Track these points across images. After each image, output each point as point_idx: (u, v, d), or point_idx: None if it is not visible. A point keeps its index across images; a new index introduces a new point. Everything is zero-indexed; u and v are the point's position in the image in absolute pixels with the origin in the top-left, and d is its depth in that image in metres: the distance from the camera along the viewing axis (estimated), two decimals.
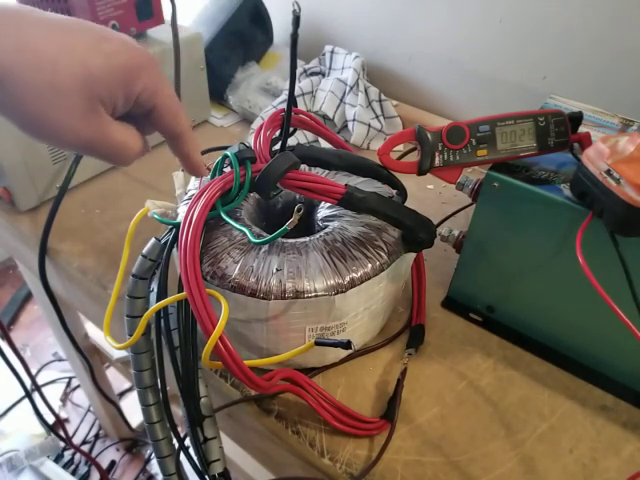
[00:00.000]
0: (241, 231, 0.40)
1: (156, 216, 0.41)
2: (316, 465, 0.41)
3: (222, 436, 0.41)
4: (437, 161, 0.43)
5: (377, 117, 0.76)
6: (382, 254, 0.42)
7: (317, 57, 0.83)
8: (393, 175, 0.45)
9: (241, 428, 0.50)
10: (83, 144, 0.30)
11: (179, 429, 0.42)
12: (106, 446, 1.32)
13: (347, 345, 0.36)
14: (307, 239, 0.43)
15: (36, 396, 0.87)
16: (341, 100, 0.75)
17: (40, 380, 1.42)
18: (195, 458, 0.40)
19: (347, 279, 0.40)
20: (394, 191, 0.47)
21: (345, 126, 0.76)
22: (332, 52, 0.81)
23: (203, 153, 0.54)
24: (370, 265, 0.41)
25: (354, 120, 0.73)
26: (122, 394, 1.39)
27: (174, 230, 0.40)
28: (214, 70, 0.78)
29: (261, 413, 0.43)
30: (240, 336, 0.42)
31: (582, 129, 0.43)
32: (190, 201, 0.39)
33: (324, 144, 0.64)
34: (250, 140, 0.71)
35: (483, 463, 0.40)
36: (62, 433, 0.93)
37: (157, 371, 0.42)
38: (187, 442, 0.41)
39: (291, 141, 0.53)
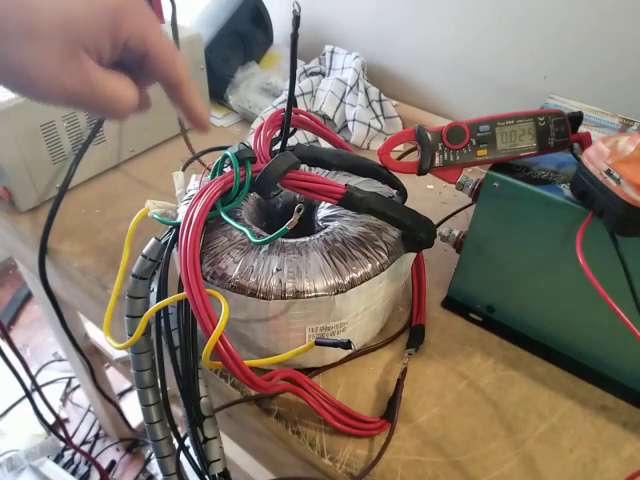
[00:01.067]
0: (241, 231, 0.40)
1: (156, 216, 0.41)
2: (316, 465, 0.41)
3: (222, 436, 0.41)
4: (437, 161, 0.43)
5: (377, 117, 0.76)
6: (382, 254, 0.42)
7: (317, 57, 0.83)
8: (393, 175, 0.45)
9: (241, 428, 0.50)
10: (68, 96, 0.27)
11: (179, 429, 0.42)
12: (106, 446, 1.32)
13: (347, 345, 0.36)
14: (307, 239, 0.43)
15: (36, 396, 0.87)
16: (341, 100, 0.75)
17: (40, 380, 1.42)
18: (195, 458, 0.40)
19: (347, 279, 0.40)
20: (394, 191, 0.47)
21: (345, 126, 0.76)
22: (332, 52, 0.81)
23: (203, 153, 0.55)
24: (370, 265, 0.41)
25: (354, 120, 0.73)
26: (122, 394, 1.39)
27: (174, 230, 0.40)
28: (214, 70, 0.78)
29: (261, 413, 0.43)
30: (240, 336, 0.42)
31: (582, 129, 0.43)
32: (190, 201, 0.39)
33: (324, 144, 0.64)
34: (250, 140, 0.71)
35: (483, 463, 0.40)
36: (62, 433, 0.93)
37: (157, 371, 0.42)
38: (187, 442, 0.41)
39: (291, 141, 0.53)
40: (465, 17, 0.72)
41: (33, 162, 0.58)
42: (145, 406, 0.43)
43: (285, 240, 0.42)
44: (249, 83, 0.81)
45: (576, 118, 0.42)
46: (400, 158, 0.47)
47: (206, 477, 0.40)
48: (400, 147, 0.65)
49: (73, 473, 1.24)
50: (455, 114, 0.80)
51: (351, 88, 0.74)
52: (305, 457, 0.41)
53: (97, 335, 0.98)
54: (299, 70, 0.81)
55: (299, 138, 0.72)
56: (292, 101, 0.40)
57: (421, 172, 0.43)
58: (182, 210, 0.44)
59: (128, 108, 0.30)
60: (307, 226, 0.48)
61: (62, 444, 1.20)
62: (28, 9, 0.25)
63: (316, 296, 0.39)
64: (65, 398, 1.43)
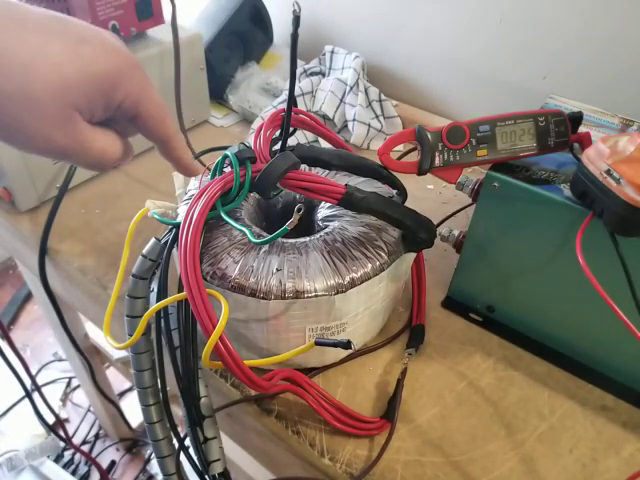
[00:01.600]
0: (241, 231, 0.40)
1: (156, 216, 0.41)
2: (316, 465, 0.41)
3: (222, 436, 0.41)
4: (437, 161, 0.43)
5: (377, 117, 0.76)
6: (382, 254, 0.41)
7: (317, 57, 0.83)
8: (393, 175, 0.45)
9: (241, 428, 0.50)
10: (57, 152, 0.28)
11: (179, 429, 0.42)
12: (106, 446, 1.32)
13: (347, 345, 0.36)
14: (307, 239, 0.43)
15: (36, 396, 0.87)
16: (341, 100, 0.75)
17: (40, 380, 1.42)
18: (195, 458, 0.40)
19: (347, 279, 0.40)
20: (394, 191, 0.47)
21: (345, 126, 0.76)
22: (332, 52, 0.81)
23: (203, 153, 0.55)
24: (370, 265, 0.41)
25: (354, 120, 0.73)
26: (122, 394, 1.39)
27: (174, 230, 0.40)
28: (214, 70, 0.78)
29: (261, 413, 0.43)
30: (240, 336, 0.42)
31: (582, 129, 0.43)
32: (190, 201, 0.39)
33: (324, 144, 0.64)
34: (250, 140, 0.71)
35: (483, 463, 0.40)
36: (62, 433, 0.93)
37: (157, 371, 0.42)
38: (187, 442, 0.41)
39: (291, 141, 0.53)
40: (466, 17, 0.72)
41: (33, 162, 0.58)
42: (145, 406, 0.43)
43: (285, 240, 0.42)
44: (249, 83, 0.81)
45: (576, 118, 0.42)
46: (400, 158, 0.47)
47: (206, 477, 0.40)
48: (400, 147, 0.65)
49: (73, 473, 1.24)
50: (455, 114, 0.80)
51: (351, 88, 0.74)
52: (305, 457, 0.41)
53: (97, 335, 0.98)
54: (299, 70, 0.81)
55: (299, 138, 0.72)
56: (292, 101, 0.40)
57: (421, 172, 0.43)
58: (182, 210, 0.44)
59: (113, 163, 0.32)
60: (307, 226, 0.48)
61: (62, 444, 1.20)
62: (28, 71, 0.25)
63: (316, 296, 0.39)
64: (65, 398, 1.43)
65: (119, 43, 0.29)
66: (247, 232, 0.39)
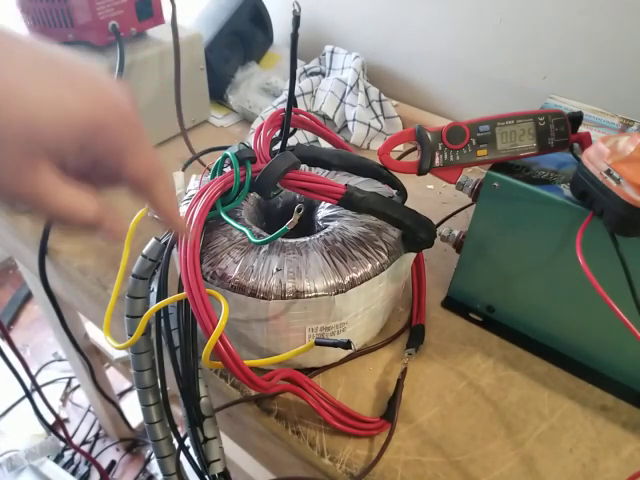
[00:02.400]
0: (241, 231, 0.40)
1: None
2: (316, 465, 0.41)
3: (222, 436, 0.41)
4: (437, 161, 0.43)
5: (377, 117, 0.76)
6: (382, 254, 0.41)
7: (317, 57, 0.83)
8: (393, 175, 0.45)
9: (241, 428, 0.50)
10: (6, 200, 0.25)
11: (179, 429, 0.42)
12: (106, 446, 1.32)
13: (347, 345, 0.36)
14: (307, 239, 0.43)
15: (36, 396, 0.87)
16: (341, 100, 0.75)
17: (40, 380, 1.42)
18: (195, 458, 0.40)
19: (347, 279, 0.40)
20: (394, 191, 0.47)
21: (345, 126, 0.76)
22: (332, 52, 0.81)
23: (203, 153, 0.55)
24: (370, 265, 0.41)
25: (354, 120, 0.73)
26: (122, 394, 1.39)
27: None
28: (214, 70, 0.78)
29: (261, 413, 0.43)
30: (240, 336, 0.42)
31: (582, 129, 0.43)
32: (190, 201, 0.39)
33: (324, 144, 0.64)
34: (250, 140, 0.71)
35: (483, 463, 0.40)
36: (62, 433, 0.93)
37: (157, 371, 0.42)
38: (187, 442, 0.41)
39: (291, 141, 0.53)
40: (466, 17, 0.72)
41: None
42: (145, 406, 0.43)
43: (285, 240, 0.42)
44: (249, 83, 0.81)
45: (576, 118, 0.42)
46: (400, 158, 0.47)
47: (206, 477, 0.40)
48: (400, 147, 0.65)
49: (73, 473, 1.24)
50: (455, 114, 0.80)
51: (351, 88, 0.74)
52: (305, 457, 0.41)
53: (97, 335, 0.98)
54: (299, 70, 0.81)
55: (299, 138, 0.72)
56: (292, 101, 0.40)
57: (421, 172, 0.43)
58: (182, 210, 0.44)
59: (83, 222, 0.26)
60: (307, 226, 0.48)
61: (62, 444, 1.20)
62: None
63: (316, 296, 0.39)
64: (65, 398, 1.43)
65: (114, 88, 0.25)
66: (247, 232, 0.39)
